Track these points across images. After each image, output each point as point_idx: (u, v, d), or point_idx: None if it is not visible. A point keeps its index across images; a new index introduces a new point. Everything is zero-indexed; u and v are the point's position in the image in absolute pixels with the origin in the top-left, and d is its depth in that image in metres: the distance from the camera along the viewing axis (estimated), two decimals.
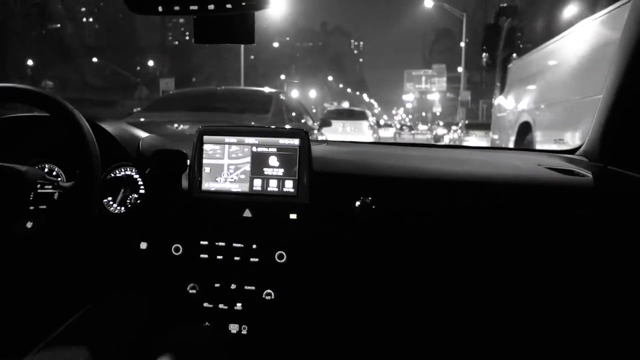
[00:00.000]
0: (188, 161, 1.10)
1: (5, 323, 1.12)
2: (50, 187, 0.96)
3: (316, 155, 1.12)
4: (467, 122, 16.21)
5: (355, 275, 1.12)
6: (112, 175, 1.14)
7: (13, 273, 1.07)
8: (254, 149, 1.08)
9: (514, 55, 4.94)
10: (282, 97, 5.00)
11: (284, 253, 1.05)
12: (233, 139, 1.09)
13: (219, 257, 1.07)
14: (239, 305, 1.07)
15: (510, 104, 4.82)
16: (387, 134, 20.94)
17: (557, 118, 3.32)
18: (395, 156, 1.34)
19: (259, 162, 1.08)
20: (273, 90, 5.28)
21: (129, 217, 1.11)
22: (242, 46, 14.85)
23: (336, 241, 1.11)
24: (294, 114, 5.11)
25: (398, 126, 32.77)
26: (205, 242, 1.07)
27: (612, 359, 1.03)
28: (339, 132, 10.33)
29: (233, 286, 1.07)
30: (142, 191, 1.13)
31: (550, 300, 1.05)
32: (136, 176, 1.14)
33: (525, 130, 3.98)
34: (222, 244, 1.07)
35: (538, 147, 3.59)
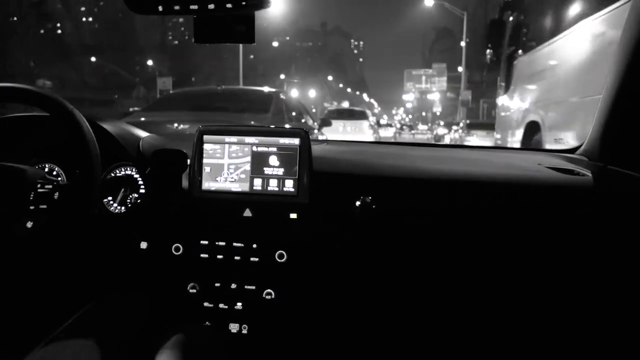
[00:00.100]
0: (188, 161, 1.10)
1: (6, 323, 1.12)
2: (51, 186, 0.96)
3: (316, 155, 1.12)
4: (468, 121, 15.92)
5: (356, 275, 1.12)
6: (112, 174, 1.14)
7: (13, 273, 1.07)
8: (254, 148, 1.08)
9: (520, 52, 4.72)
10: (282, 96, 5.00)
11: (284, 253, 1.05)
12: (233, 139, 1.09)
13: (219, 256, 1.07)
14: (239, 305, 1.07)
15: (517, 103, 4.60)
16: (387, 133, 21.02)
17: (569, 117, 3.12)
18: (395, 156, 1.34)
19: (259, 161, 1.08)
20: (273, 89, 5.29)
21: (129, 217, 1.11)
22: (241, 46, 14.84)
23: (336, 241, 1.11)
24: (294, 113, 5.11)
25: (398, 126, 32.79)
26: (206, 242, 1.07)
27: (612, 359, 1.03)
28: (339, 131, 10.38)
29: (233, 286, 1.07)
30: (142, 191, 1.13)
31: (550, 299, 1.05)
32: (136, 176, 1.14)
33: (532, 129, 3.80)
34: (223, 243, 1.07)
35: (547, 147, 3.44)
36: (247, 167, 1.08)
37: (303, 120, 5.41)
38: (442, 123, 25.08)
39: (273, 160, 1.07)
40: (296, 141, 1.07)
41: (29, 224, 1.05)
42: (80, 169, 0.92)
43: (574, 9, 3.63)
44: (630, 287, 0.99)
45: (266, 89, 5.17)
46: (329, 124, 6.70)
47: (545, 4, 4.31)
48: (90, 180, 0.92)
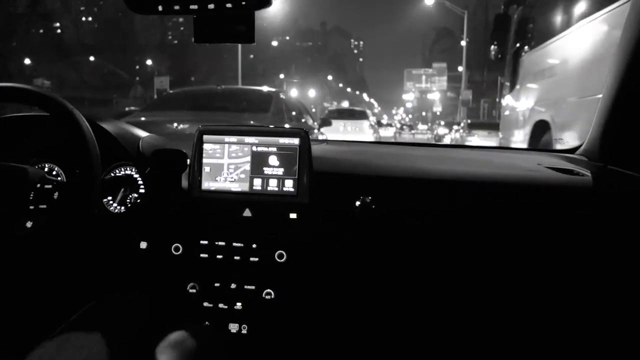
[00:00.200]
0: (188, 161, 1.10)
1: (5, 323, 1.12)
2: (50, 186, 0.96)
3: (316, 155, 1.12)
4: (469, 121, 15.70)
5: (355, 275, 1.12)
6: (112, 174, 1.14)
7: (13, 273, 1.07)
8: (254, 148, 1.08)
9: (526, 47, 4.36)
10: (282, 96, 5.01)
11: (284, 252, 1.05)
12: (233, 139, 1.09)
13: (219, 256, 1.07)
14: (238, 305, 1.07)
15: (524, 101, 4.31)
16: (387, 133, 21.20)
17: (583, 115, 2.83)
18: (395, 156, 1.34)
19: (259, 161, 1.08)
20: (273, 89, 5.29)
21: (129, 217, 1.11)
22: (240, 45, 14.84)
23: (336, 241, 1.11)
24: (293, 113, 5.12)
25: (398, 126, 32.80)
26: (205, 242, 1.07)
27: (612, 359, 1.03)
28: (340, 131, 10.42)
29: (233, 286, 1.07)
30: (142, 191, 1.13)
31: (550, 299, 1.05)
32: (136, 176, 1.14)
33: (541, 129, 3.54)
34: (222, 243, 1.07)
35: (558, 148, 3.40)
36: (247, 167, 1.08)
37: (303, 120, 5.41)
38: (442, 123, 24.98)
39: (273, 160, 1.07)
40: (296, 141, 1.07)
41: (29, 224, 1.05)
42: (80, 169, 0.93)
43: (583, 5, 3.33)
44: (630, 287, 0.99)
45: (266, 88, 5.18)
46: (329, 123, 6.70)
47: None
48: (90, 180, 0.92)
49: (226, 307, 1.07)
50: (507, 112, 5.09)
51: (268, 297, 1.06)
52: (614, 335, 1.02)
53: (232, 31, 0.80)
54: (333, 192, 1.10)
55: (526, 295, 1.06)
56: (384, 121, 30.04)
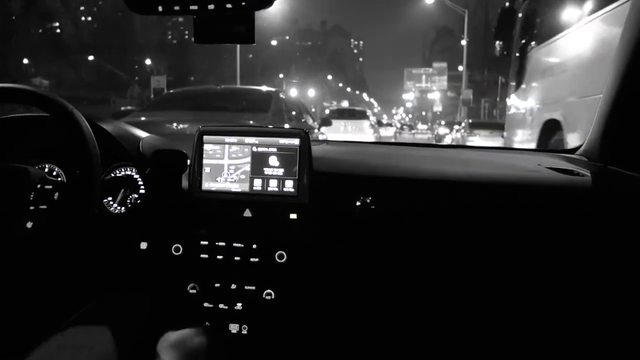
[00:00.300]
0: (188, 161, 1.10)
1: (6, 323, 1.12)
2: (51, 187, 0.96)
3: (316, 155, 1.12)
4: (470, 121, 15.29)
5: (356, 275, 1.12)
6: (112, 175, 1.14)
7: (13, 273, 1.07)
8: (254, 148, 1.08)
9: (533, 43, 4.13)
10: (281, 96, 5.01)
11: (284, 253, 1.05)
12: (233, 139, 1.09)
13: (219, 257, 1.07)
14: (239, 305, 1.07)
15: (531, 99, 4.09)
16: (388, 133, 21.22)
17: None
18: (395, 156, 1.34)
19: (259, 162, 1.08)
20: (272, 89, 5.29)
21: (129, 217, 1.11)
22: (238, 45, 14.82)
23: (336, 241, 1.11)
24: (293, 113, 5.12)
25: (398, 126, 32.80)
26: (206, 242, 1.07)
27: (612, 359, 1.04)
28: (340, 131, 10.44)
29: (233, 286, 1.07)
30: (142, 191, 1.13)
31: (550, 299, 1.05)
32: (136, 176, 1.14)
33: (551, 129, 3.36)
34: (222, 243, 1.07)
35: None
36: (247, 167, 1.08)
37: (303, 120, 5.41)
38: (443, 122, 24.88)
39: (273, 160, 1.07)
40: (296, 141, 1.07)
41: (29, 224, 1.05)
42: (80, 169, 0.93)
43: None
44: (630, 287, 0.99)
45: (265, 88, 5.18)
46: (329, 123, 6.72)
47: None
48: (90, 180, 0.92)
49: (226, 307, 1.07)
50: (512, 111, 4.86)
51: (268, 297, 1.06)
52: (614, 335, 1.02)
53: (232, 32, 0.80)
54: (333, 192, 1.10)
55: (526, 296, 1.06)
56: (384, 121, 30.04)
